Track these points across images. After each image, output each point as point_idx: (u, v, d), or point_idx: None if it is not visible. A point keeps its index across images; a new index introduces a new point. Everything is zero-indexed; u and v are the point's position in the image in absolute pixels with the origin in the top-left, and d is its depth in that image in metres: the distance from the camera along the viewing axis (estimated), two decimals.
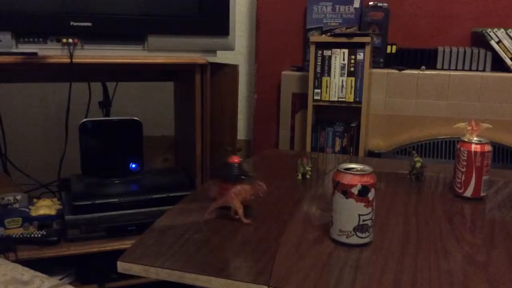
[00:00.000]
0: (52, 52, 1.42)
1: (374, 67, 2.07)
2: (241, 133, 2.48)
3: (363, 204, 0.80)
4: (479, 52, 2.01)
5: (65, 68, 1.40)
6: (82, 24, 1.41)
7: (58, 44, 1.42)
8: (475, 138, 1.09)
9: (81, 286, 1.44)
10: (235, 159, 0.99)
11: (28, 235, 1.39)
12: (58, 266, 1.46)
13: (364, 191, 0.80)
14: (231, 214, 0.94)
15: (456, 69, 2.03)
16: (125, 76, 1.83)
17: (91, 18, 1.41)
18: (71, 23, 1.40)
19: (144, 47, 1.50)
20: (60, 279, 1.43)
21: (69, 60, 1.40)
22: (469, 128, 1.11)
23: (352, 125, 2.03)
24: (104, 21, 1.43)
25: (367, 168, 0.83)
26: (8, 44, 1.37)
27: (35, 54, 1.39)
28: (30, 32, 1.39)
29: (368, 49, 1.91)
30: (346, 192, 0.80)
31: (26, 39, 1.39)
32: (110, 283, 1.45)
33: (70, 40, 1.41)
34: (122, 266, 0.75)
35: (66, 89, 1.49)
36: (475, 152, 1.07)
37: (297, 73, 2.18)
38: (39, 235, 1.40)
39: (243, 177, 0.99)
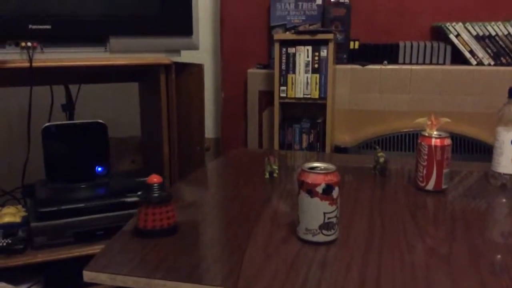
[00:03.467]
0: (11, 56, 1.38)
1: (338, 63, 2.10)
2: (209, 131, 2.48)
3: (327, 202, 0.82)
4: (439, 46, 2.06)
5: (25, 72, 1.37)
6: (41, 27, 1.38)
7: (17, 48, 1.38)
8: (435, 133, 1.12)
9: None
10: (154, 179, 0.87)
11: None
12: (25, 274, 1.43)
13: (328, 189, 0.81)
14: None
15: (417, 63, 2.08)
16: (88, 78, 1.80)
17: (50, 20, 1.38)
18: (30, 26, 1.37)
19: (106, 48, 1.48)
20: (29, 287, 1.40)
21: (28, 64, 1.37)
22: (429, 122, 1.14)
23: (318, 121, 2.06)
24: (64, 23, 1.40)
25: (330, 166, 0.84)
26: None
27: None
28: None
29: (331, 45, 1.93)
30: (311, 191, 0.81)
31: None
32: None
33: (29, 44, 1.38)
34: (88, 276, 0.75)
35: (27, 93, 1.45)
36: (435, 146, 1.10)
37: (263, 71, 2.19)
38: (5, 244, 1.37)
39: (163, 197, 0.88)
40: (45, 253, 1.38)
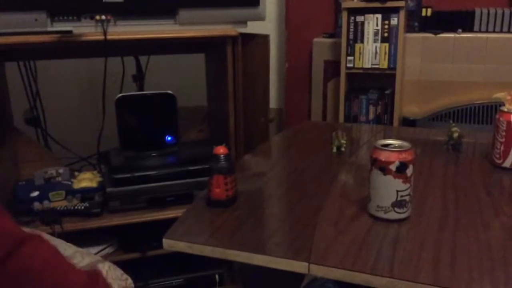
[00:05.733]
0: (86, 29, 1.43)
1: (408, 32, 2.02)
2: (273, 102, 2.48)
3: (401, 180, 0.80)
4: None
5: (99, 44, 1.42)
6: (114, 0, 1.42)
7: (92, 21, 1.43)
8: None
9: (124, 254, 1.50)
10: (221, 150, 0.92)
11: (72, 208, 1.44)
12: (101, 236, 1.52)
13: (402, 167, 0.80)
14: None
15: (494, 31, 1.96)
16: (157, 49, 1.84)
17: None
18: (104, 0, 1.41)
19: (175, 21, 1.50)
20: (103, 249, 1.49)
21: (103, 37, 1.41)
22: (509, 97, 1.08)
23: (387, 92, 2.00)
24: None
25: (405, 144, 0.82)
26: (44, 23, 1.39)
27: (70, 32, 1.41)
28: (64, 11, 1.40)
29: (402, 13, 1.86)
30: (384, 168, 0.80)
31: (60, 18, 1.41)
32: (151, 251, 1.50)
33: (103, 17, 1.42)
34: (167, 243, 0.78)
35: (100, 64, 1.51)
36: None
37: (329, 40, 2.14)
38: (83, 207, 1.45)
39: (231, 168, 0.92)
40: (119, 217, 1.45)
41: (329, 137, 1.28)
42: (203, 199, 0.94)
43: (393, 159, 0.79)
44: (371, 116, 2.01)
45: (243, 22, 1.59)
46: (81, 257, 1.05)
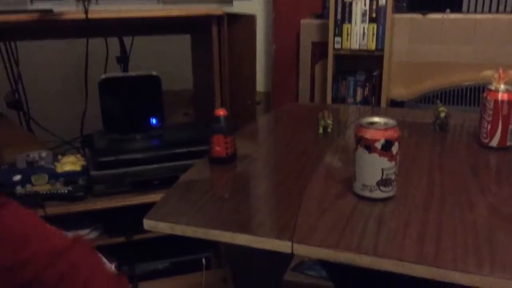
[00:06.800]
0: (67, 8, 1.40)
1: (396, 12, 1.99)
2: (260, 85, 2.45)
3: (386, 158, 0.79)
4: None
5: (81, 24, 1.38)
6: None
7: (73, 0, 1.39)
8: (502, 86, 1.06)
9: (109, 239, 1.49)
10: (221, 112, 1.01)
11: (55, 191, 1.42)
12: (85, 220, 1.50)
13: (387, 145, 0.78)
14: None
15: (482, 12, 1.95)
16: (141, 30, 1.80)
17: None
18: None
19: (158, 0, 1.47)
20: (88, 233, 1.48)
21: (84, 16, 1.38)
22: (496, 76, 1.07)
23: (374, 74, 1.99)
24: None
25: (390, 121, 0.81)
26: (23, 1, 1.35)
27: (50, 10, 1.37)
28: None
29: None
30: (369, 147, 0.79)
31: None
32: (137, 235, 1.49)
33: None
34: (148, 224, 0.77)
35: (83, 45, 1.48)
36: (502, 101, 1.03)
37: (317, 22, 2.11)
38: (66, 191, 1.43)
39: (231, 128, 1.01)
40: (104, 200, 1.43)
41: (315, 118, 1.26)
42: (186, 179, 0.92)
43: (379, 137, 0.78)
44: (358, 98, 1.99)
45: (229, 1, 1.56)
46: None
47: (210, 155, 1.01)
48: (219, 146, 0.99)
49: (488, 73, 1.10)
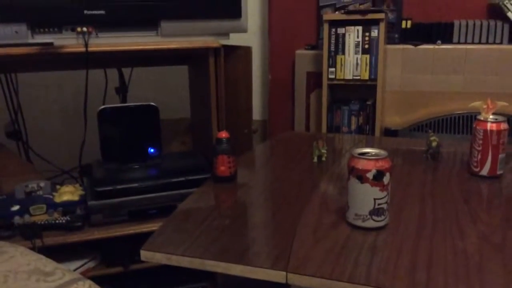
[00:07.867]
0: (68, 41, 1.43)
1: (389, 43, 2.05)
2: (257, 114, 2.49)
3: (378, 188, 0.81)
4: (496, 25, 1.97)
5: (81, 56, 1.42)
6: (96, 12, 1.42)
7: (73, 33, 1.43)
8: (491, 117, 1.09)
9: (106, 268, 1.48)
10: (223, 134, 1.10)
11: (53, 221, 1.43)
12: (83, 250, 1.51)
13: (379, 175, 0.81)
14: None
15: (473, 43, 2.00)
16: (140, 61, 1.84)
17: (104, 6, 1.42)
18: (85, 12, 1.41)
19: (157, 32, 1.51)
20: (86, 263, 1.48)
21: (84, 49, 1.41)
22: (485, 106, 1.10)
23: (368, 103, 2.02)
24: (117, 8, 1.44)
25: (382, 152, 0.83)
26: (24, 35, 1.39)
27: (51, 44, 1.41)
28: (45, 23, 1.40)
29: (382, 25, 1.89)
30: (361, 177, 0.81)
31: (41, 30, 1.41)
32: (134, 265, 1.49)
33: (85, 29, 1.42)
34: (145, 255, 0.78)
35: (82, 77, 1.51)
36: (491, 131, 1.06)
37: (311, 52, 2.16)
38: (64, 221, 1.43)
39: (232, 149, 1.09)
40: (102, 230, 1.44)
41: (311, 147, 1.29)
42: (184, 209, 0.94)
43: (370, 167, 0.80)
44: (353, 126, 2.02)
45: (225, 34, 1.60)
46: (62, 274, 1.03)
47: (215, 175, 1.09)
48: (223, 166, 1.07)
49: (477, 104, 1.13)
